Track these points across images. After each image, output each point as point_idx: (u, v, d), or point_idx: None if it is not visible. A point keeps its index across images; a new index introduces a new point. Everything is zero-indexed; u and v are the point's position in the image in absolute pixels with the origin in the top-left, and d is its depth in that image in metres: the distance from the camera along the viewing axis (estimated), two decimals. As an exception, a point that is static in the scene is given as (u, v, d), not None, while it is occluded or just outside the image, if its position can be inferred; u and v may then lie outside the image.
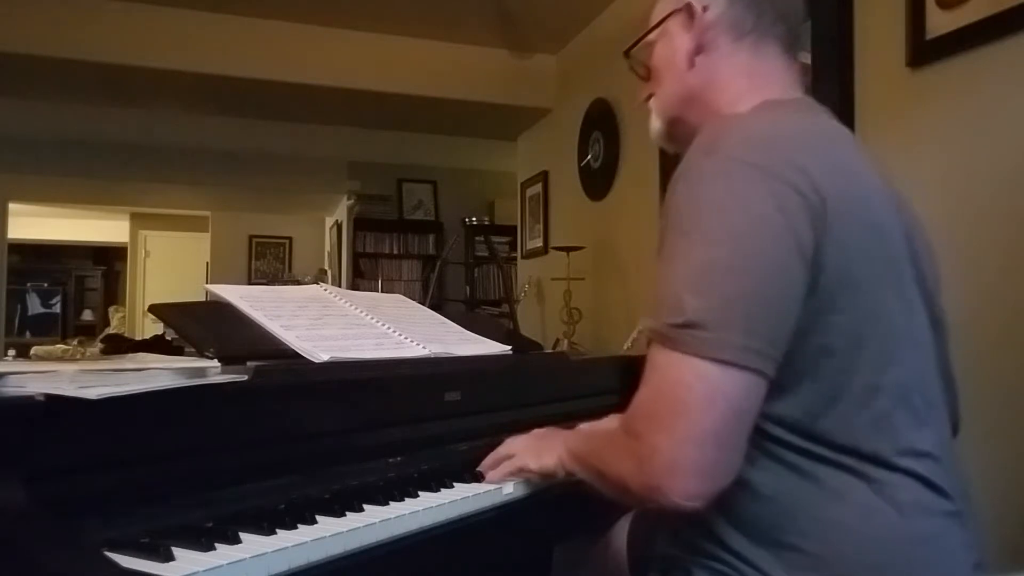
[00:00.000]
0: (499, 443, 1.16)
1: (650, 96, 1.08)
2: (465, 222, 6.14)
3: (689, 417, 0.75)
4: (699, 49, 0.99)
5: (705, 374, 0.75)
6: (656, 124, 1.07)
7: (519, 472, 1.08)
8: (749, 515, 0.83)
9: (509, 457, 1.10)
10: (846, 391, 0.81)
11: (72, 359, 1.11)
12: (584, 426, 1.26)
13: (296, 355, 1.10)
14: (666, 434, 0.76)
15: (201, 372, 0.92)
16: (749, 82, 0.97)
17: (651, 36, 1.06)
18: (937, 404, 0.89)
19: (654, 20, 1.05)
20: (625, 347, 2.70)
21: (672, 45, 1.02)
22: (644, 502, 0.82)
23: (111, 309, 8.74)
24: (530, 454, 1.07)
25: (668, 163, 2.78)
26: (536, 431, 1.16)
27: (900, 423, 0.83)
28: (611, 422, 1.22)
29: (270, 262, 7.86)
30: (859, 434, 0.81)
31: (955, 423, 0.95)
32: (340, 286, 5.62)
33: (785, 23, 0.99)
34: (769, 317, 0.77)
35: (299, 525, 0.83)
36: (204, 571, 0.70)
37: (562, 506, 1.09)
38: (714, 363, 0.75)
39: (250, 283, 6.93)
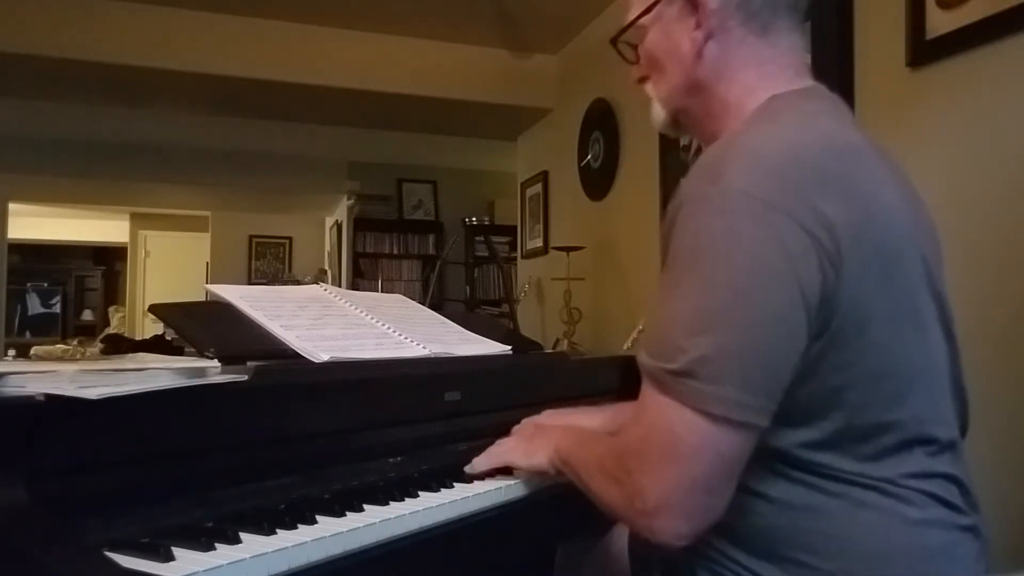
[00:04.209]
0: (499, 443, 1.16)
1: (643, 79, 1.01)
2: (465, 222, 6.14)
3: (678, 465, 0.74)
4: (708, 36, 0.91)
5: (697, 426, 0.74)
6: (660, 114, 1.01)
7: (503, 464, 1.08)
8: (755, 527, 0.82)
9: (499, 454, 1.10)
10: (853, 429, 0.79)
11: (72, 359, 1.11)
12: (577, 412, 1.27)
13: (296, 355, 1.10)
14: (655, 477, 0.75)
15: (201, 372, 0.92)
16: (759, 72, 0.91)
17: (643, 20, 0.98)
18: (952, 425, 0.87)
19: (643, 3, 0.98)
20: (625, 347, 2.70)
21: (672, 34, 0.94)
22: (633, 531, 0.81)
23: (111, 309, 8.74)
24: (519, 452, 1.08)
25: (668, 163, 2.78)
26: (524, 432, 1.16)
27: (912, 454, 0.81)
28: (605, 415, 1.24)
29: (270, 262, 7.86)
30: (865, 464, 0.80)
31: (964, 426, 0.92)
32: (340, 286, 5.62)
33: None
34: (767, 370, 0.75)
35: (299, 525, 0.83)
36: (204, 571, 0.70)
37: (563, 506, 1.09)
38: (706, 417, 0.73)
39: (250, 283, 6.93)
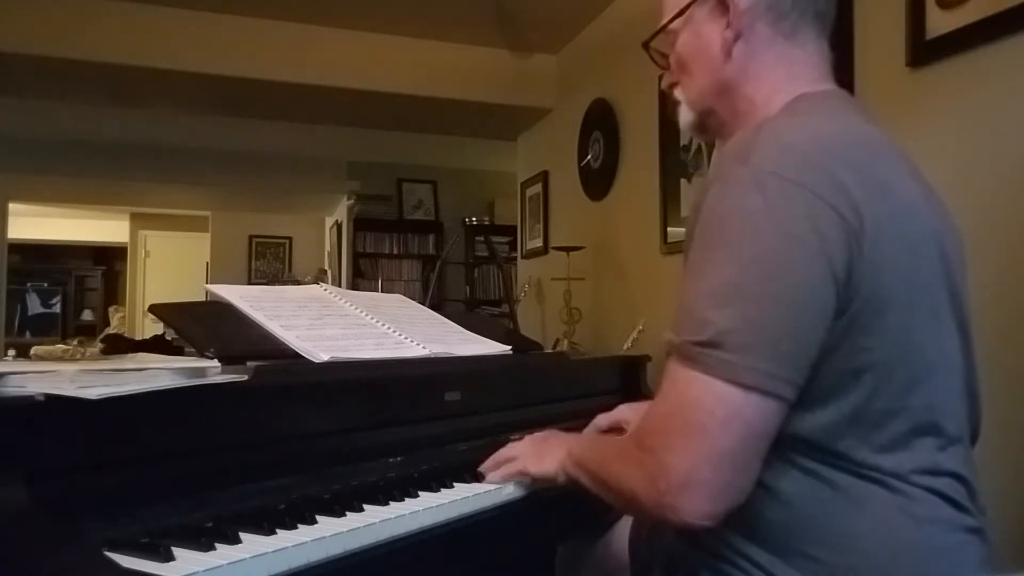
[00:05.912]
0: (499, 443, 1.16)
1: (673, 84, 1.03)
2: (465, 222, 6.15)
3: (706, 438, 0.74)
4: (737, 37, 0.92)
5: (726, 397, 0.74)
6: (688, 116, 1.02)
7: (519, 476, 1.08)
8: (763, 520, 0.82)
9: (510, 460, 1.10)
10: (867, 413, 0.80)
11: (72, 359, 1.11)
12: (600, 421, 1.28)
13: (296, 355, 1.10)
14: (681, 453, 0.75)
15: (201, 372, 0.92)
16: (787, 71, 0.92)
17: (674, 24, 0.99)
18: (961, 422, 0.87)
19: (676, 6, 0.99)
20: (625, 347, 2.70)
21: (702, 35, 0.96)
22: (654, 517, 0.79)
23: (111, 309, 8.74)
24: (531, 458, 1.07)
25: (668, 163, 2.78)
26: (538, 434, 1.16)
27: (923, 445, 0.82)
28: (621, 415, 1.24)
29: (270, 262, 7.86)
30: (879, 453, 0.80)
31: (975, 433, 0.93)
32: (340, 286, 5.62)
33: None
34: (795, 342, 0.75)
35: (299, 525, 0.83)
36: (204, 571, 0.70)
37: (563, 505, 1.09)
38: (736, 386, 0.74)
39: (250, 283, 6.93)
